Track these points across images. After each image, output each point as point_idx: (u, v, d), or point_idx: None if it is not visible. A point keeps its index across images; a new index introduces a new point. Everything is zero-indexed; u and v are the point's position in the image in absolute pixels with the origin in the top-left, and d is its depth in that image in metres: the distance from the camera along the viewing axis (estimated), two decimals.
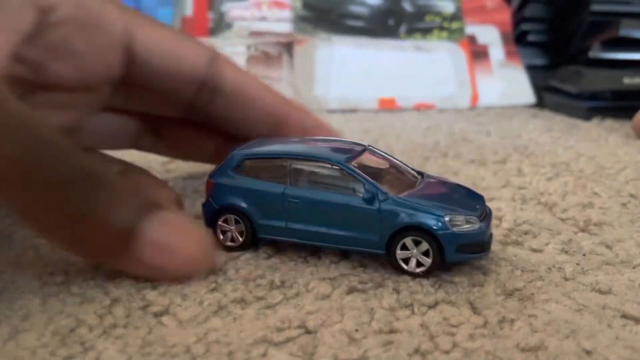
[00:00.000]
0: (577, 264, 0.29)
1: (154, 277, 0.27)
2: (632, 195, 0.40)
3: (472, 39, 0.86)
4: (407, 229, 0.27)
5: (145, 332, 0.23)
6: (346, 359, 0.21)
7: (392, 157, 0.32)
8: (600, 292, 0.26)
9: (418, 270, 0.27)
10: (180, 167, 0.47)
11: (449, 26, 0.87)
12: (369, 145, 0.32)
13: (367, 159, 0.31)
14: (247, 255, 0.30)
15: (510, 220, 0.35)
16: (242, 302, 0.25)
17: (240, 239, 0.30)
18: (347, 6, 0.86)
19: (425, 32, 0.86)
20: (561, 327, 0.23)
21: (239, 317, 0.24)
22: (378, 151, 0.32)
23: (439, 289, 0.27)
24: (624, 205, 0.39)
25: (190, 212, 0.36)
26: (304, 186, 0.29)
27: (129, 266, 0.26)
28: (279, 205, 0.29)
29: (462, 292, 0.26)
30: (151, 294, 0.26)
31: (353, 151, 0.30)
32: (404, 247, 0.28)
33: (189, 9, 0.83)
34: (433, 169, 0.47)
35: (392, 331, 0.23)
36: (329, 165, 0.29)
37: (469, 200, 0.29)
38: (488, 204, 0.31)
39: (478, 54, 0.85)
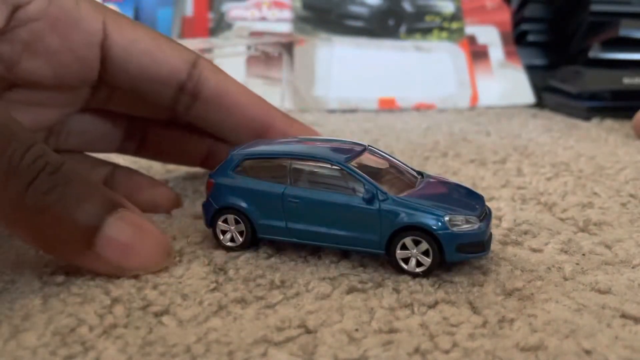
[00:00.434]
0: (577, 264, 0.29)
1: (111, 274, 0.27)
2: (631, 195, 0.40)
3: (472, 39, 0.86)
4: (407, 228, 0.27)
5: (146, 332, 0.23)
6: (346, 358, 0.21)
7: (392, 157, 0.32)
8: (600, 291, 0.26)
9: (418, 270, 0.27)
10: (181, 167, 0.47)
11: (449, 26, 0.87)
12: (368, 145, 0.32)
13: (367, 159, 0.31)
14: (247, 255, 0.30)
15: (510, 220, 0.35)
16: (242, 302, 0.25)
17: (240, 239, 0.30)
18: (347, 6, 0.86)
19: (425, 32, 0.86)
20: (561, 326, 0.23)
21: (239, 317, 0.24)
22: (378, 151, 0.32)
23: (438, 288, 0.27)
24: (623, 205, 0.39)
25: (190, 212, 0.36)
26: (303, 186, 0.29)
27: (89, 263, 0.27)
28: (279, 205, 0.29)
29: (462, 292, 0.26)
30: (151, 294, 0.26)
31: (353, 151, 0.30)
32: (404, 247, 0.28)
33: (189, 9, 0.83)
34: (433, 169, 0.47)
35: (392, 331, 0.23)
36: (329, 165, 0.29)
37: (469, 200, 0.29)
38: (488, 203, 0.31)
39: (478, 54, 0.85)
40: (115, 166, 0.38)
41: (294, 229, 0.29)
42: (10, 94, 0.31)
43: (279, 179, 0.30)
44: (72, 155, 0.36)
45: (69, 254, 0.26)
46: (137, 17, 0.87)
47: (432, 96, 0.80)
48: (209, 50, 0.77)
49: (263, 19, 0.84)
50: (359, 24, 0.85)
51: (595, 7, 0.77)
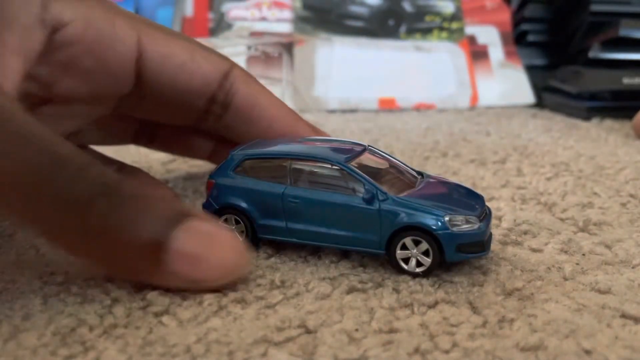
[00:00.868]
0: (577, 264, 0.29)
1: (187, 289, 0.26)
2: (631, 195, 0.40)
3: (472, 39, 0.86)
4: (407, 228, 0.27)
5: (146, 331, 0.23)
6: (346, 358, 0.21)
7: (392, 157, 0.32)
8: (600, 291, 0.26)
9: (418, 270, 0.27)
10: (181, 167, 0.47)
11: (449, 26, 0.87)
12: (368, 145, 0.32)
13: (367, 159, 0.31)
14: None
15: (510, 220, 0.35)
16: (242, 302, 0.25)
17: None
18: (347, 6, 0.86)
19: (425, 32, 0.86)
20: (561, 326, 0.23)
21: (239, 317, 0.24)
22: (378, 151, 0.32)
23: (438, 288, 0.27)
24: (623, 205, 0.39)
25: None
26: (304, 186, 0.29)
27: (161, 280, 0.25)
28: (279, 206, 0.29)
29: (462, 292, 0.26)
30: (151, 294, 0.26)
31: (353, 151, 0.30)
32: (404, 247, 0.28)
33: (189, 9, 0.83)
34: (433, 169, 0.47)
35: (392, 331, 0.23)
36: (329, 166, 0.29)
37: (469, 200, 0.29)
38: (488, 203, 0.31)
39: (478, 54, 0.85)
40: (120, 165, 0.38)
41: (294, 229, 0.29)
42: (44, 108, 0.31)
43: (279, 179, 0.30)
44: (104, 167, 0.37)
45: (139, 273, 0.25)
46: None
47: (432, 96, 0.80)
48: None
49: (263, 19, 0.84)
50: (359, 24, 0.85)
51: (595, 7, 0.77)
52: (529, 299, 0.26)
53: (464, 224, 0.27)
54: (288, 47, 0.81)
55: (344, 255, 0.30)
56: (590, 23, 0.78)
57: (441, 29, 0.87)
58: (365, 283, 0.27)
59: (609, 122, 0.69)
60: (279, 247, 0.31)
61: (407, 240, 0.27)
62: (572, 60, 0.80)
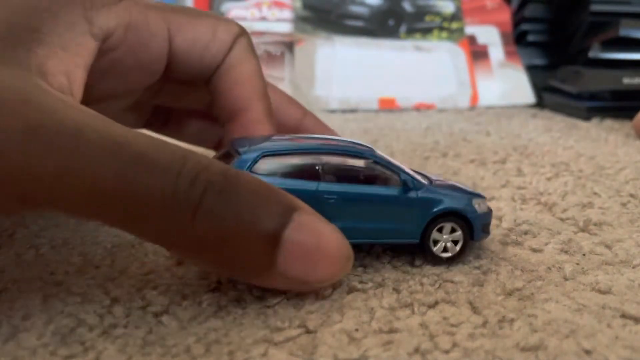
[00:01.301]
0: (577, 264, 0.29)
1: (294, 291, 0.24)
2: (631, 195, 0.40)
3: (472, 39, 0.86)
4: (442, 215, 0.28)
5: (146, 331, 0.23)
6: (346, 358, 0.21)
7: (398, 163, 0.32)
8: (600, 291, 0.26)
9: (449, 254, 0.29)
10: None
11: (449, 26, 0.87)
12: (373, 151, 0.31)
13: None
14: None
15: (510, 220, 0.35)
16: (242, 302, 0.25)
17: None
18: (347, 6, 0.86)
19: (425, 32, 0.86)
20: (561, 326, 0.23)
21: (239, 317, 0.24)
22: (382, 157, 0.31)
23: (438, 288, 0.27)
24: (623, 205, 0.39)
25: None
26: (335, 182, 0.28)
27: (272, 280, 0.23)
28: (312, 204, 0.26)
29: (462, 292, 0.26)
30: (151, 294, 0.26)
31: (368, 147, 0.30)
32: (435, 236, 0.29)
33: None
34: (433, 169, 0.47)
35: (392, 331, 0.23)
36: (361, 159, 0.28)
37: (466, 189, 0.31)
38: (488, 203, 0.31)
39: (478, 54, 0.85)
40: None
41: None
42: None
43: (308, 177, 0.28)
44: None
45: (252, 273, 0.24)
46: None
47: (432, 96, 0.80)
48: None
49: (263, 18, 0.84)
50: (359, 24, 0.85)
51: (595, 7, 0.77)
52: (529, 299, 0.26)
53: (481, 204, 0.29)
54: (289, 46, 0.81)
55: None
56: (590, 23, 0.78)
57: (441, 28, 0.87)
58: (365, 283, 0.27)
59: (609, 122, 0.69)
60: None
61: (446, 225, 0.28)
62: (572, 60, 0.80)
